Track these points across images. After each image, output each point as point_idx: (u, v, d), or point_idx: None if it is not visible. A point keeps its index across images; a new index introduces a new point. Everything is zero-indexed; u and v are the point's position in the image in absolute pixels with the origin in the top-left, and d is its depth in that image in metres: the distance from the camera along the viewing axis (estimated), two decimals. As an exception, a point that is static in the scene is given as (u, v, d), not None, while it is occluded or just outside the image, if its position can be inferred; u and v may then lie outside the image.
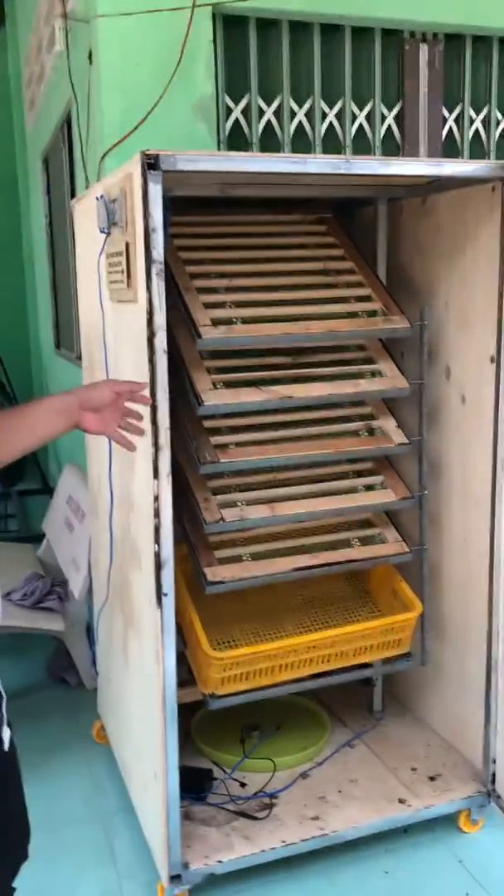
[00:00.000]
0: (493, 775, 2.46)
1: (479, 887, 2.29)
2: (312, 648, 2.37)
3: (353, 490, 2.45)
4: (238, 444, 2.30)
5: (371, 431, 2.46)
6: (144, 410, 1.89)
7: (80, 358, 4.46)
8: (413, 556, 2.49)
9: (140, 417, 1.78)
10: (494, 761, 2.45)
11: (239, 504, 2.29)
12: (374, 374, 2.46)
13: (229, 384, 2.27)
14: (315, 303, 2.42)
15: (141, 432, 1.78)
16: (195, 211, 2.57)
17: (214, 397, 2.20)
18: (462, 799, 2.46)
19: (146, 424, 1.96)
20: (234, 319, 2.27)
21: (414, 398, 2.51)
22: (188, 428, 2.29)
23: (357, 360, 2.50)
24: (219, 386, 2.23)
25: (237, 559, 2.32)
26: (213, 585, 2.24)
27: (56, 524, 3.95)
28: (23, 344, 7.13)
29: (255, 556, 2.35)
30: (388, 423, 2.46)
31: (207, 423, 2.31)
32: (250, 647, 2.34)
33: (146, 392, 1.87)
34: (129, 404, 1.75)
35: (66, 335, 5.25)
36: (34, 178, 6.21)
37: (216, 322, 2.23)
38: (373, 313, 2.44)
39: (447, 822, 2.52)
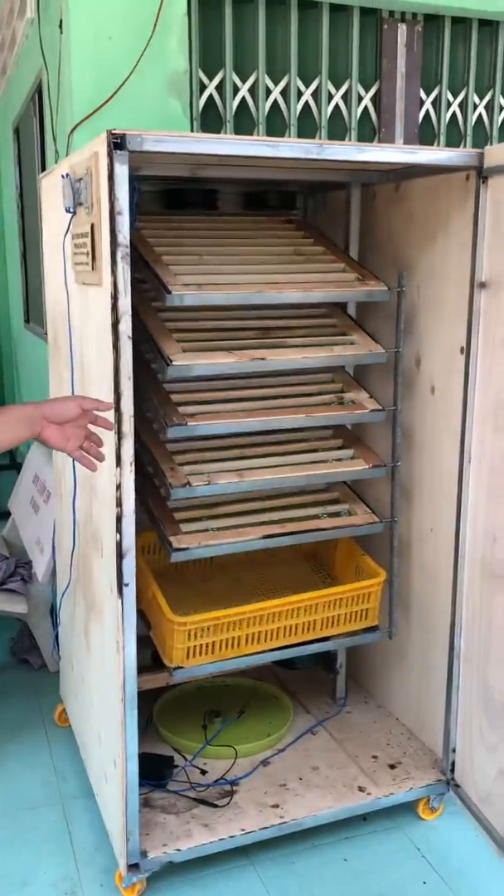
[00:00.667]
0: (453, 764, 2.47)
1: (435, 875, 2.31)
2: (277, 618, 2.36)
3: (323, 462, 2.43)
4: (206, 414, 2.25)
5: (342, 402, 2.43)
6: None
7: (48, 334, 4.41)
8: (382, 530, 2.48)
9: (101, 443, 1.76)
10: (454, 751, 2.46)
11: (206, 474, 2.25)
12: (347, 344, 2.43)
13: (199, 351, 2.22)
14: (288, 272, 2.38)
15: (101, 458, 1.76)
16: (164, 211, 2.55)
17: (183, 359, 2.12)
18: (422, 787, 2.47)
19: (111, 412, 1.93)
20: (202, 285, 2.20)
21: (385, 374, 2.49)
22: (154, 399, 2.24)
23: (329, 333, 2.47)
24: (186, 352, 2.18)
25: (203, 531, 2.29)
26: (179, 552, 2.19)
27: (22, 503, 3.90)
28: (-8, 317, 7.01)
29: (222, 529, 2.32)
30: (360, 395, 2.44)
31: (176, 396, 2.26)
32: (214, 611, 2.31)
33: (111, 415, 1.85)
34: (91, 427, 1.73)
35: (35, 310, 5.16)
36: (4, 148, 6.07)
37: (186, 285, 2.16)
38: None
39: (406, 809, 2.54)
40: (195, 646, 2.28)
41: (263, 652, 2.40)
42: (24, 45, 4.47)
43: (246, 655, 2.37)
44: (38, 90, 4.06)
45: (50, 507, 3.35)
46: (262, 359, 2.24)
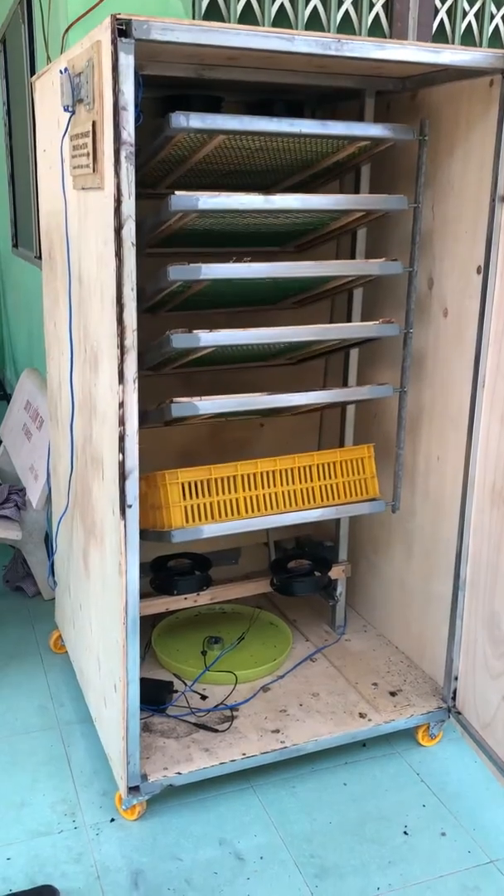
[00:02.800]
0: (455, 692, 2.46)
1: (434, 798, 2.32)
2: (273, 481, 2.35)
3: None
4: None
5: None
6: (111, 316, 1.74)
7: (38, 257, 4.26)
8: (392, 394, 2.42)
9: None
10: (456, 678, 2.45)
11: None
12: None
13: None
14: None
15: None
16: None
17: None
18: (422, 714, 2.46)
19: (112, 325, 1.83)
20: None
21: (395, 299, 2.39)
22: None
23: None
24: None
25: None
26: (179, 406, 2.11)
27: (13, 431, 3.81)
28: (-23, 242, 6.79)
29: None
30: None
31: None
32: (205, 467, 2.29)
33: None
34: None
35: (24, 234, 4.98)
36: (-10, 61, 5.78)
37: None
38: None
39: (405, 736, 2.54)
40: (192, 506, 2.26)
41: (261, 517, 2.37)
42: None
43: (244, 520, 2.34)
44: (27, -6, 3.83)
45: (43, 434, 3.26)
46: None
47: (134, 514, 1.96)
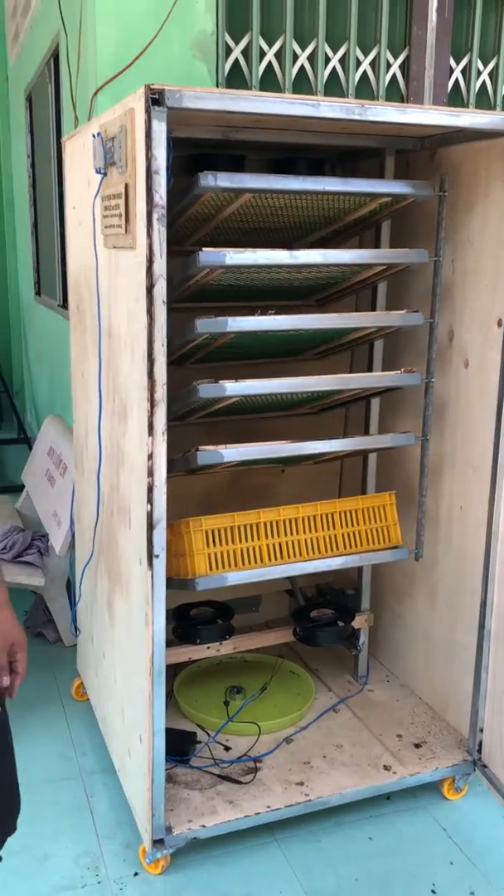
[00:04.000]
0: (480, 744, 2.44)
1: (462, 855, 2.28)
2: (296, 529, 2.36)
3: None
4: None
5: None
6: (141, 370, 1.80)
7: (62, 306, 4.34)
8: (414, 443, 2.46)
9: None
10: (482, 730, 2.43)
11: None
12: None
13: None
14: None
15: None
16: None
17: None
18: (448, 767, 2.44)
19: (143, 378, 1.87)
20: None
21: (416, 351, 2.43)
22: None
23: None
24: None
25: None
26: (205, 454, 2.14)
27: (36, 476, 3.85)
28: (1, 290, 6.93)
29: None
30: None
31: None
32: (228, 514, 2.31)
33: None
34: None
35: (47, 282, 5.08)
36: (16, 116, 5.97)
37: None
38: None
39: (430, 789, 2.51)
40: (215, 553, 2.27)
41: (285, 564, 2.38)
42: (39, 10, 4.37)
43: (267, 567, 2.35)
44: (55, 55, 3.97)
45: (67, 480, 3.30)
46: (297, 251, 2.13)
47: (161, 563, 1.99)
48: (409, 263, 2.34)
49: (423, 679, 2.76)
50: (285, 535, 2.37)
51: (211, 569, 2.29)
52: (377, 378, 2.46)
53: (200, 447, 2.18)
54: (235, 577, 2.32)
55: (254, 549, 2.34)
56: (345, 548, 2.46)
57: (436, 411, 2.52)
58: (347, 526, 2.46)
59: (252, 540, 2.34)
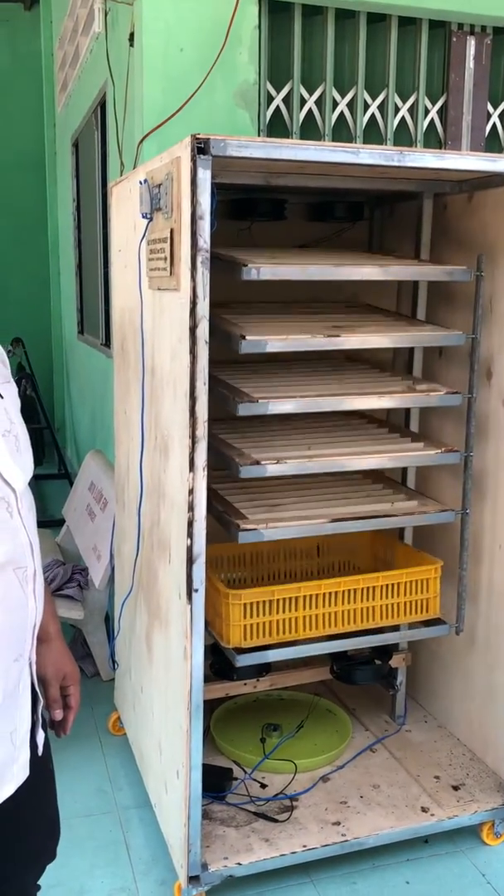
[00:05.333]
0: (520, 788, 2.41)
1: (501, 901, 2.24)
2: (334, 601, 2.33)
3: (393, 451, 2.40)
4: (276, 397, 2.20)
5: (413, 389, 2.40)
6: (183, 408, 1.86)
7: (104, 344, 4.45)
8: (453, 519, 2.41)
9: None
10: (522, 773, 2.40)
11: (274, 455, 2.22)
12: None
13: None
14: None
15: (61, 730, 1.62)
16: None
17: (257, 334, 2.07)
18: (487, 811, 2.40)
19: (184, 416, 1.92)
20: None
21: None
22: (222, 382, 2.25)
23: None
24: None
25: (270, 508, 2.30)
26: (246, 532, 2.16)
27: (77, 511, 3.92)
28: (45, 329, 7.11)
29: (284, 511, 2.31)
30: (433, 384, 2.41)
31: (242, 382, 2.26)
32: (268, 588, 2.30)
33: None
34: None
35: (90, 321, 5.21)
36: (63, 162, 6.17)
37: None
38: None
39: (469, 833, 2.47)
40: (252, 625, 2.26)
41: (322, 639, 2.36)
42: (87, 61, 4.55)
43: (305, 642, 2.34)
44: (102, 103, 4.12)
45: (107, 514, 3.35)
46: (337, 336, 2.17)
47: (200, 598, 2.01)
48: (445, 344, 2.41)
49: (461, 720, 2.73)
50: (324, 606, 2.33)
51: (245, 639, 2.27)
52: (415, 458, 2.43)
53: (243, 525, 2.18)
54: (275, 655, 2.31)
55: (291, 620, 2.31)
56: (382, 618, 2.40)
57: (475, 484, 2.48)
58: (388, 598, 2.40)
59: (290, 611, 2.30)
